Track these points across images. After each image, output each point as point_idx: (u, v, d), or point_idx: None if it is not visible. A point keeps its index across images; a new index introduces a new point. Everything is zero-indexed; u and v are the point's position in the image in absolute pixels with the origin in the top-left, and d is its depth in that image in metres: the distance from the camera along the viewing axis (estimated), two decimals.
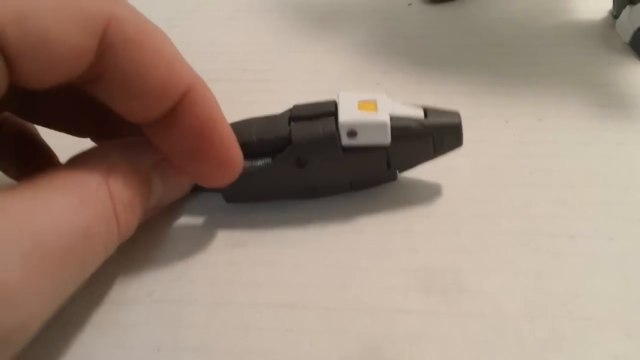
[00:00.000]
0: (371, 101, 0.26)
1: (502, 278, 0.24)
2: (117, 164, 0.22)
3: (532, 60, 0.38)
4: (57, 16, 0.18)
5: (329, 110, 0.26)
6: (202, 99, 0.22)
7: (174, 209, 0.28)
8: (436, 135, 0.27)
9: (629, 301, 0.23)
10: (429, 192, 0.28)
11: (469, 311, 0.23)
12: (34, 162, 0.27)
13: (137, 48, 0.20)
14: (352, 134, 0.25)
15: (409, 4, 0.45)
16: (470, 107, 0.32)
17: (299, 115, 0.26)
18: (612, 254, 0.25)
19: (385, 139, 0.26)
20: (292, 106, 0.27)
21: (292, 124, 0.26)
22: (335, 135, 0.25)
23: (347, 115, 0.25)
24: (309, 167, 0.26)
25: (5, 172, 0.27)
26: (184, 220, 0.28)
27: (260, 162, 0.27)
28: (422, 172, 0.29)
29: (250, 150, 0.26)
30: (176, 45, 0.22)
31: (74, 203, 0.19)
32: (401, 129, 0.26)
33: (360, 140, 0.26)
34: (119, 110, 0.22)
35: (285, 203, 0.28)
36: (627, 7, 0.39)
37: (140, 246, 0.26)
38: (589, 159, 0.30)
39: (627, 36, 0.38)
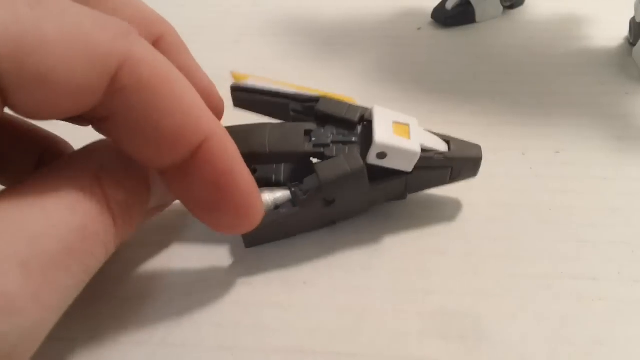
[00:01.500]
0: (404, 124, 0.26)
1: (524, 324, 0.23)
2: (109, 161, 0.21)
3: (546, 89, 0.37)
4: (63, 53, 0.17)
5: (351, 123, 0.26)
6: (220, 150, 0.20)
7: (177, 240, 0.27)
8: (456, 167, 0.27)
9: None
10: (443, 229, 0.27)
11: (489, 359, 0.22)
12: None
13: (152, 93, 0.19)
14: (382, 155, 0.25)
15: (419, 29, 0.44)
16: (485, 138, 0.31)
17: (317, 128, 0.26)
18: (638, 298, 0.24)
19: (410, 166, 0.26)
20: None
21: (315, 164, 0.25)
22: (364, 169, 0.25)
23: (384, 136, 0.25)
24: (336, 203, 0.26)
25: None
26: (187, 252, 0.27)
27: (284, 209, 0.25)
28: (436, 207, 0.28)
29: (262, 160, 0.26)
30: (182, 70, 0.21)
31: (68, 203, 0.18)
32: (426, 160, 0.26)
33: (386, 163, 0.25)
34: (130, 152, 0.20)
35: (293, 237, 0.27)
36: None
37: (141, 282, 0.25)
38: (609, 196, 0.29)
39: None
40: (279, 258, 0.26)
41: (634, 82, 0.37)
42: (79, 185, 0.19)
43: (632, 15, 0.40)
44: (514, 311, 0.24)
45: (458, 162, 0.26)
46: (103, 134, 0.20)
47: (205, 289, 0.25)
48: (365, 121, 0.26)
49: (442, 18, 0.44)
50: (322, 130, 0.26)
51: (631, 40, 0.40)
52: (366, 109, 0.27)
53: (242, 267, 0.26)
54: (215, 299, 0.25)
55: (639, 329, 0.23)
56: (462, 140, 0.27)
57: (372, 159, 0.25)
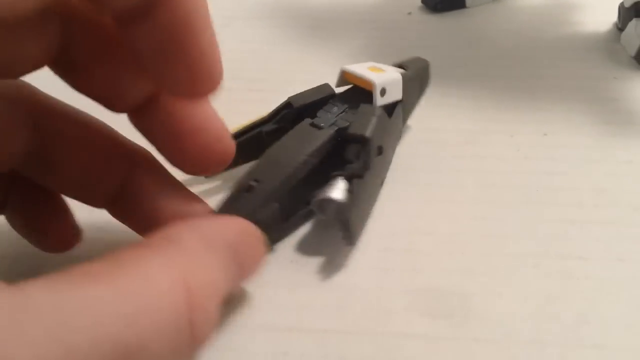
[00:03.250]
0: (375, 67, 0.29)
1: (511, 302, 0.23)
2: (199, 252, 0.18)
3: (536, 73, 0.37)
4: None
5: (330, 96, 0.29)
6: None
7: None
8: (420, 77, 0.32)
9: None
10: (431, 209, 0.27)
11: (476, 337, 0.22)
12: (44, 218, 0.24)
13: None
14: (383, 92, 0.28)
15: (409, 13, 0.44)
16: (475, 121, 0.32)
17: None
18: (624, 276, 0.24)
19: (400, 93, 0.29)
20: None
21: (348, 131, 0.26)
22: (381, 110, 0.27)
23: (377, 78, 0.28)
24: (383, 151, 0.27)
25: (13, 224, 0.24)
26: None
27: (356, 188, 0.25)
28: (423, 188, 0.28)
29: (301, 172, 0.25)
30: None
31: (128, 308, 0.15)
32: (406, 80, 0.29)
33: (387, 98, 0.28)
34: None
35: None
36: (634, 20, 0.38)
37: None
38: (596, 178, 0.29)
39: (633, 49, 0.38)
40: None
41: (622, 66, 0.37)
42: (154, 284, 0.16)
43: (621, 1, 0.40)
44: (501, 289, 0.24)
45: (420, 72, 0.31)
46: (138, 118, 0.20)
47: None
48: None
49: (433, 3, 0.44)
50: (319, 117, 0.27)
51: (620, 26, 0.40)
52: (326, 84, 0.29)
53: None
54: None
55: (624, 306, 0.23)
56: (408, 60, 0.31)
57: (379, 100, 0.28)
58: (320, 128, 0.26)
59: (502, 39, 0.40)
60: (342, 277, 0.25)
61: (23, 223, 0.24)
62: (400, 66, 0.30)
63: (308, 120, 0.27)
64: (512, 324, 0.22)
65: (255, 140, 0.27)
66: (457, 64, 0.38)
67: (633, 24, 0.38)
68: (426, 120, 0.32)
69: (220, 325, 0.23)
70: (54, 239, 0.24)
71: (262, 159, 0.25)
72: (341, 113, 0.28)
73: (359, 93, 0.29)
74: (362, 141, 0.26)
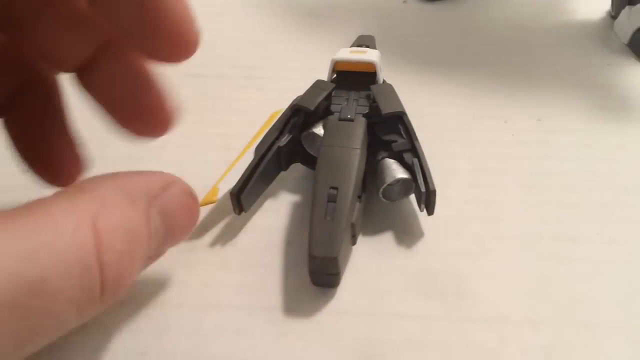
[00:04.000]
0: (356, 49, 0.30)
1: (505, 282, 0.24)
2: (109, 198, 0.18)
3: (530, 60, 0.37)
4: None
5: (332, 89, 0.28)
6: None
7: None
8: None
9: (634, 307, 0.23)
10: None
11: (469, 316, 0.22)
12: (49, 133, 0.23)
13: None
14: (379, 69, 0.29)
15: (404, 1, 0.44)
16: (469, 107, 0.32)
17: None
18: (616, 258, 0.25)
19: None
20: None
21: (382, 110, 0.26)
22: (391, 86, 0.28)
23: (373, 57, 0.29)
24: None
25: (12, 136, 0.23)
26: None
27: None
28: None
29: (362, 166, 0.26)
30: None
31: (28, 246, 0.15)
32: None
33: (380, 76, 0.29)
34: None
35: (278, 199, 0.27)
36: (627, 8, 0.38)
37: None
38: (589, 162, 0.29)
39: (626, 37, 0.38)
40: (263, 221, 0.27)
41: (615, 53, 0.37)
42: (57, 227, 0.16)
43: None
44: (495, 271, 0.24)
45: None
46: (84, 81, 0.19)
47: (191, 249, 0.25)
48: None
49: None
50: (338, 111, 0.27)
51: (613, 14, 0.41)
52: (319, 80, 0.29)
53: (229, 231, 0.26)
54: (201, 261, 0.25)
55: (616, 286, 0.23)
56: (360, 38, 0.33)
57: (379, 78, 0.29)
58: (351, 120, 0.26)
59: (496, 26, 0.41)
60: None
61: (24, 136, 0.23)
62: (360, 46, 0.31)
63: (334, 117, 0.27)
64: (505, 304, 0.23)
65: (275, 157, 0.27)
66: (451, 52, 0.38)
67: (626, 11, 0.38)
68: (420, 107, 0.32)
69: (218, 307, 0.23)
70: (55, 163, 0.23)
71: (320, 167, 0.24)
72: (354, 101, 0.28)
73: (351, 78, 0.29)
74: (401, 116, 0.26)
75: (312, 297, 0.23)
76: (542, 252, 0.25)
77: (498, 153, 0.29)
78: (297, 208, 0.27)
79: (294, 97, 0.28)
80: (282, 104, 0.28)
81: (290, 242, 0.26)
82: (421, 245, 0.25)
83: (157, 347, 0.22)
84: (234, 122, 0.32)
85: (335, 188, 0.24)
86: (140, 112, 0.22)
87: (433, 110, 0.33)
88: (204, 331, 0.22)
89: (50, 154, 0.23)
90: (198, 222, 0.22)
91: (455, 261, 0.24)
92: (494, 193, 0.28)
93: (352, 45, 0.31)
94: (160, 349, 0.22)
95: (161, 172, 0.21)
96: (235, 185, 0.25)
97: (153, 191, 0.19)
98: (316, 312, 0.23)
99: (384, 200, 0.26)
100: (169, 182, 0.20)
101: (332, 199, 0.23)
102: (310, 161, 0.28)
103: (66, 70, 0.22)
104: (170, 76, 0.20)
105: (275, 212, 0.27)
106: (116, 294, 0.17)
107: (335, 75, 0.30)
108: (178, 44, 0.20)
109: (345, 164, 0.24)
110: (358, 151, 0.25)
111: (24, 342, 0.15)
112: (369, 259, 0.25)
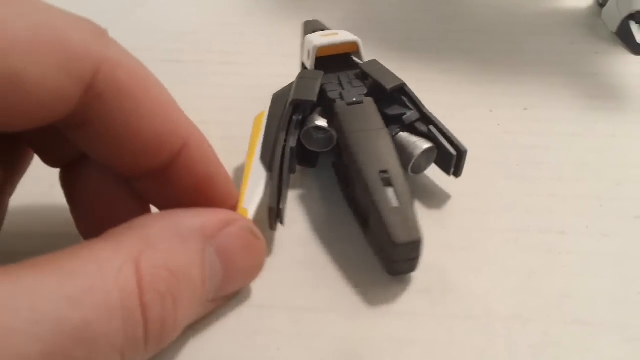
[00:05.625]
0: (331, 33, 0.29)
1: (491, 277, 0.23)
2: (155, 237, 0.17)
3: (516, 48, 0.36)
4: (34, 58, 0.15)
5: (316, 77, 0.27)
6: (200, 154, 0.19)
7: None
8: None
9: (625, 302, 0.22)
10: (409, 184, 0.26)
11: (454, 313, 0.21)
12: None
13: (130, 99, 0.17)
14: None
15: None
16: (454, 95, 0.31)
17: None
18: (606, 252, 0.24)
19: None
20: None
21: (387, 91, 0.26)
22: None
23: (353, 36, 0.29)
24: None
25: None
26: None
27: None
28: None
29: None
30: (140, 25, 0.19)
31: (71, 290, 0.14)
32: None
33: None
34: (105, 162, 0.19)
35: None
36: None
37: None
38: (578, 152, 0.28)
39: (614, 25, 0.37)
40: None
41: (603, 42, 0.37)
42: (101, 268, 0.15)
43: None
44: (480, 264, 0.23)
45: None
46: (77, 143, 0.18)
47: None
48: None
49: None
50: (340, 97, 0.26)
51: (601, 2, 0.40)
52: (304, 69, 0.28)
53: None
54: None
55: (606, 281, 0.22)
56: (309, 24, 0.32)
57: (363, 56, 0.29)
58: (360, 102, 0.26)
59: (483, 13, 0.40)
60: (317, 253, 0.24)
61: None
62: (314, 31, 0.30)
63: (341, 103, 0.26)
64: (492, 300, 0.22)
65: (290, 160, 0.25)
66: (437, 38, 0.37)
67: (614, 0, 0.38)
68: None
69: None
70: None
71: (358, 155, 0.23)
72: (347, 83, 0.27)
73: (333, 61, 0.28)
74: (403, 88, 0.27)
75: (287, 293, 0.22)
76: (530, 246, 0.24)
77: (483, 143, 0.29)
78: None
79: (271, 84, 0.26)
80: (259, 90, 0.26)
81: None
82: None
83: None
84: (210, 108, 0.31)
85: (385, 171, 0.23)
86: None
87: None
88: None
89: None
90: None
91: (440, 255, 0.23)
92: (479, 184, 0.27)
93: (306, 34, 0.30)
94: None
95: (221, 210, 0.20)
96: (271, 200, 0.23)
97: (209, 230, 0.19)
98: (293, 309, 0.22)
99: (412, 174, 0.25)
100: (229, 220, 0.19)
101: (387, 183, 0.22)
102: (306, 159, 0.27)
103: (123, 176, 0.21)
104: (145, 61, 0.19)
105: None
106: (162, 341, 0.17)
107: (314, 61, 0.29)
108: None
109: (382, 146, 0.24)
110: (385, 130, 0.24)
111: None
112: (349, 253, 0.24)
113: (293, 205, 0.26)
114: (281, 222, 0.24)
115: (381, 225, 0.21)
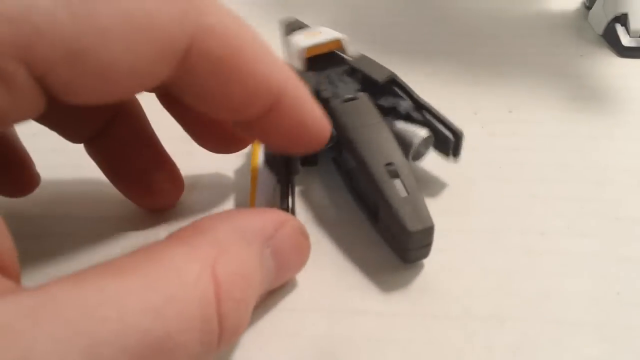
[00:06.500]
0: (313, 31, 0.29)
1: (469, 277, 0.23)
2: (228, 241, 0.17)
3: (502, 50, 0.36)
4: (126, 41, 0.15)
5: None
6: (293, 104, 0.20)
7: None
8: None
9: (604, 302, 0.22)
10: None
11: (433, 313, 0.21)
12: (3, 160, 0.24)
13: (222, 66, 0.18)
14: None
15: None
16: (438, 97, 0.31)
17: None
18: (586, 252, 0.24)
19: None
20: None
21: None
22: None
23: (331, 32, 0.29)
24: None
25: None
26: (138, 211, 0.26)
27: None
28: None
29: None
30: None
31: (153, 300, 0.14)
32: None
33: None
34: (202, 111, 0.20)
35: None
36: None
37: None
38: (561, 153, 0.28)
39: (600, 28, 0.37)
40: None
41: (589, 44, 0.37)
42: (181, 275, 0.15)
43: None
44: (460, 265, 0.23)
45: None
46: (167, 102, 0.21)
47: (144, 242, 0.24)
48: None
49: None
50: (333, 95, 0.26)
51: (587, 4, 0.40)
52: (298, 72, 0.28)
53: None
54: None
55: (586, 282, 0.23)
56: (289, 24, 0.32)
57: (348, 52, 0.29)
58: (355, 99, 0.26)
59: (468, 15, 0.40)
60: None
61: (119, 162, 0.24)
62: (293, 30, 0.31)
63: (337, 101, 0.26)
64: (470, 300, 0.22)
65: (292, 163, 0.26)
66: (422, 40, 0.37)
67: (600, 2, 0.38)
68: None
69: None
70: (12, 183, 0.24)
71: (362, 151, 0.24)
72: (339, 81, 0.27)
73: (320, 59, 0.29)
74: (394, 79, 0.27)
75: (270, 293, 0.22)
76: (510, 246, 0.24)
77: (467, 145, 0.28)
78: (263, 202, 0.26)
79: None
80: None
81: None
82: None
83: None
84: None
85: (390, 164, 0.23)
86: (145, 186, 0.24)
87: None
88: None
89: (149, 178, 0.24)
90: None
91: None
92: (461, 186, 0.27)
93: (286, 34, 0.30)
94: None
95: (275, 210, 0.21)
96: (282, 202, 0.24)
97: (268, 232, 0.19)
98: (272, 309, 0.22)
99: (412, 162, 0.26)
100: (283, 222, 0.20)
101: (394, 175, 0.23)
102: (307, 159, 0.27)
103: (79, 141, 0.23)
104: None
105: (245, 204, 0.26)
106: (230, 343, 0.17)
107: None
108: (318, 146, 0.22)
109: (383, 139, 0.24)
110: (383, 123, 0.25)
111: None
112: (328, 253, 0.24)
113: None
114: None
115: (393, 216, 0.22)
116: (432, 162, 0.28)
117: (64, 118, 0.23)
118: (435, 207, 0.25)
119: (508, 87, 0.33)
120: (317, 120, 0.21)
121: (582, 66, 0.35)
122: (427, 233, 0.22)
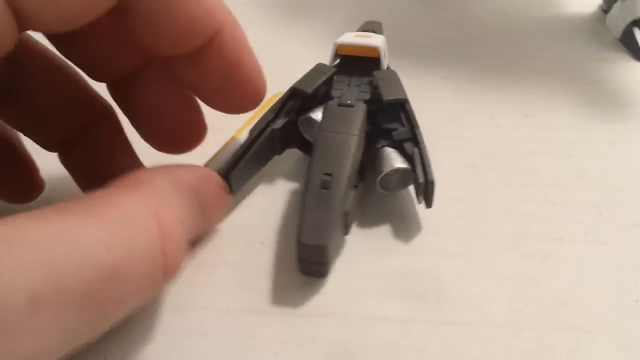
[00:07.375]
0: (359, 35, 0.29)
1: (487, 284, 0.22)
2: (167, 192, 0.19)
3: (519, 54, 0.36)
4: None
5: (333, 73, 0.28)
6: (232, 40, 0.21)
7: None
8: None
9: (622, 310, 0.22)
10: (406, 190, 0.26)
11: (450, 319, 0.21)
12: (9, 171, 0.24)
13: None
14: (384, 55, 0.28)
15: None
16: (455, 102, 0.31)
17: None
18: (604, 259, 0.24)
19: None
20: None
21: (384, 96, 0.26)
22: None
23: (377, 42, 0.28)
24: None
25: None
26: None
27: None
28: None
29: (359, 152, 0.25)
30: None
31: (108, 236, 0.16)
32: None
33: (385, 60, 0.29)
34: (145, 44, 0.20)
35: (251, 198, 0.26)
36: (619, 2, 0.37)
37: None
38: (579, 159, 0.28)
39: (618, 31, 0.37)
40: (237, 222, 0.25)
41: (607, 48, 0.37)
42: (132, 217, 0.17)
43: None
44: (477, 271, 0.23)
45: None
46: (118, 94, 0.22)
47: None
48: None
49: None
50: (338, 97, 0.26)
51: (605, 8, 0.40)
52: (320, 63, 0.28)
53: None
54: None
55: (604, 290, 0.22)
56: (367, 24, 0.32)
57: (384, 64, 0.28)
58: (351, 106, 0.25)
59: (485, 19, 0.40)
60: None
61: (91, 168, 0.25)
62: (366, 31, 0.30)
63: (334, 102, 0.26)
64: (488, 307, 0.22)
65: (269, 140, 0.26)
66: (439, 44, 0.37)
67: (618, 5, 0.38)
68: None
69: (185, 309, 0.22)
70: (18, 189, 0.25)
71: (316, 153, 0.24)
72: (356, 86, 0.27)
73: (354, 63, 0.28)
74: (404, 104, 0.26)
75: (284, 297, 0.22)
76: (527, 253, 0.24)
77: (484, 150, 0.29)
78: (290, 193, 0.27)
79: (273, 92, 0.26)
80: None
81: (263, 242, 0.24)
82: (400, 245, 0.24)
83: (120, 351, 0.20)
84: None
85: (330, 174, 0.23)
86: (171, 131, 0.24)
87: (417, 105, 0.31)
88: (168, 333, 0.21)
89: (11, 177, 0.24)
90: None
91: (436, 261, 0.23)
92: (479, 191, 0.27)
93: (359, 30, 0.30)
94: (123, 353, 0.20)
95: (201, 167, 0.23)
96: (223, 166, 0.24)
97: (197, 185, 0.21)
98: (288, 314, 0.22)
99: (381, 190, 0.25)
100: (208, 177, 0.22)
101: (325, 186, 0.22)
102: (306, 147, 0.27)
103: (103, 79, 0.24)
104: None
105: (268, 196, 0.27)
106: (170, 281, 0.19)
107: (338, 60, 0.29)
108: (251, 101, 0.23)
109: (341, 150, 0.24)
110: (355, 137, 0.24)
111: (93, 328, 0.16)
112: (346, 260, 0.24)
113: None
114: (231, 191, 0.24)
115: (299, 220, 0.22)
116: (449, 166, 0.27)
117: (35, 119, 0.23)
118: (452, 213, 0.25)
119: (524, 92, 0.33)
120: (253, 65, 0.22)
121: (600, 70, 0.34)
122: (318, 251, 0.22)
